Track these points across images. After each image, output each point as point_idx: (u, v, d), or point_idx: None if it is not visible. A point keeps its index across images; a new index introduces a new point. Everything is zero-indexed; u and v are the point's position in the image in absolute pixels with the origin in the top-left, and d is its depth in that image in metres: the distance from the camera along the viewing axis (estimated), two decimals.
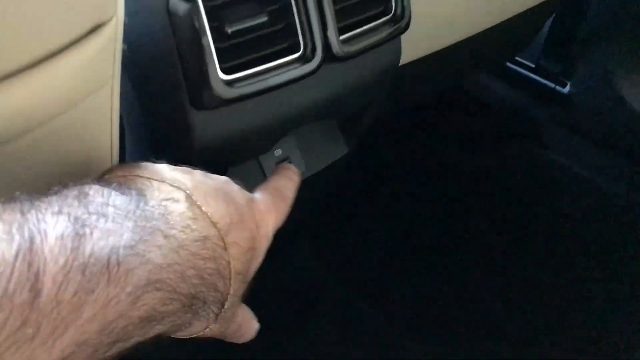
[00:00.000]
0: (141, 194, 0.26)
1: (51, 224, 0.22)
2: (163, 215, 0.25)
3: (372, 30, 0.46)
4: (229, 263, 0.28)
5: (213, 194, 0.28)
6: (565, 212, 0.92)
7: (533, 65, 0.93)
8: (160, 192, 0.27)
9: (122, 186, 0.26)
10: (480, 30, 0.63)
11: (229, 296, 0.28)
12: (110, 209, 0.24)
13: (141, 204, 0.25)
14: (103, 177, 0.29)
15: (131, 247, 0.23)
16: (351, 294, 0.89)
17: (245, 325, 0.33)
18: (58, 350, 0.21)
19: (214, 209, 0.27)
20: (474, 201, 0.96)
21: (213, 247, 0.27)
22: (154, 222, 0.25)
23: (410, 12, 0.47)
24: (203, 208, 0.27)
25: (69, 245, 0.22)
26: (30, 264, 0.20)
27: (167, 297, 0.25)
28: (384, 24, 0.47)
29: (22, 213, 0.22)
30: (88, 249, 0.22)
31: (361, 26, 0.45)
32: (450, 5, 0.57)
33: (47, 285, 0.21)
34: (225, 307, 0.28)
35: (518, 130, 0.98)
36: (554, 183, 0.95)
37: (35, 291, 0.20)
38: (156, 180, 0.27)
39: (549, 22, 0.90)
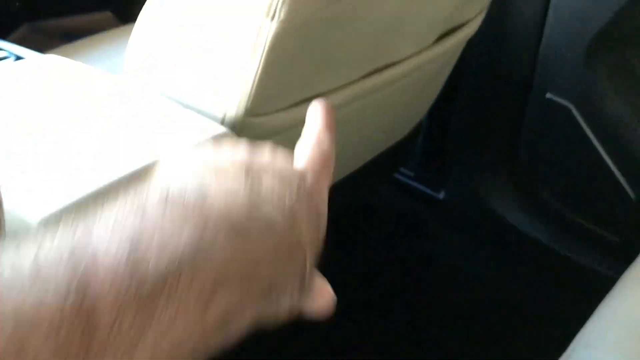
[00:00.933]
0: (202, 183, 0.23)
1: (102, 247, 0.20)
2: (224, 207, 0.23)
3: None
4: (301, 245, 0.26)
5: (270, 178, 0.25)
6: (453, 303, 1.04)
7: (412, 174, 1.10)
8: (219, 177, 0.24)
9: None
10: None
11: (307, 272, 0.26)
12: (168, 209, 0.21)
13: (200, 199, 0.22)
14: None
15: (192, 252, 0.21)
16: None
17: (322, 292, 0.30)
18: None
19: (277, 195, 0.25)
20: (370, 297, 1.05)
21: (282, 230, 0.25)
22: (215, 217, 0.22)
23: None
24: (267, 194, 0.25)
25: (122, 270, 0.20)
26: (80, 305, 0.19)
27: (241, 290, 0.23)
28: None
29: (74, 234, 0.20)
30: (142, 269, 0.20)
31: None
32: None
33: (102, 322, 0.19)
34: (306, 280, 0.27)
35: (406, 231, 1.13)
36: (441, 278, 1.09)
37: (88, 334, 0.19)
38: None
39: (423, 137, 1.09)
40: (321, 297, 0.29)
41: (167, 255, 0.20)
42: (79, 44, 0.90)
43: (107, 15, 1.13)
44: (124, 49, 0.62)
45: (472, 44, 0.82)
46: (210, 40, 0.54)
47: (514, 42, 0.89)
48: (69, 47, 0.88)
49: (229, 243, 0.22)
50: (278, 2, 0.48)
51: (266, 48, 0.50)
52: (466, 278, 1.07)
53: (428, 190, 1.09)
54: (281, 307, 0.26)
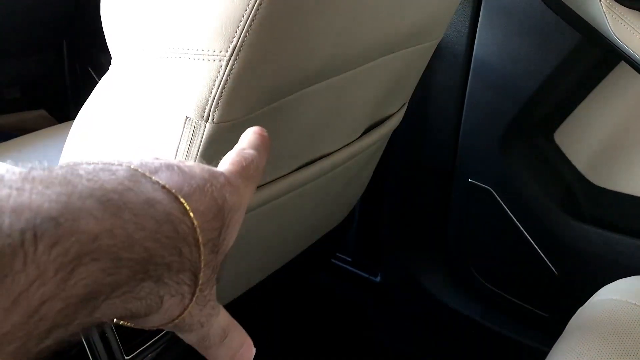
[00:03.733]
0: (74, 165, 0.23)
1: None
2: (96, 181, 0.22)
3: None
4: (193, 229, 0.24)
5: (164, 168, 0.25)
6: None
7: (350, 259, 1.13)
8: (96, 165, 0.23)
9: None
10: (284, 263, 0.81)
11: (202, 268, 0.25)
12: (30, 178, 0.21)
13: (69, 173, 0.22)
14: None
15: (52, 217, 0.20)
16: None
17: (235, 336, 0.28)
18: None
19: (166, 179, 0.25)
20: None
21: (167, 210, 0.24)
22: (83, 187, 0.21)
23: None
24: (153, 177, 0.24)
25: None
26: None
27: (111, 266, 0.21)
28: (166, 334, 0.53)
29: None
30: None
31: None
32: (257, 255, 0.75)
33: None
34: (200, 280, 0.25)
35: (345, 316, 1.15)
36: None
37: None
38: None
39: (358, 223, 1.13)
40: (234, 341, 0.29)
41: (24, 218, 0.19)
42: (12, 142, 0.90)
43: (41, 113, 1.14)
44: (59, 148, 0.63)
45: (397, 135, 0.88)
46: (143, 138, 0.56)
47: (435, 132, 0.96)
48: (2, 145, 0.88)
49: (99, 215, 0.21)
50: (211, 105, 0.51)
51: (200, 149, 0.52)
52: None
53: (365, 274, 1.11)
54: (170, 301, 0.25)
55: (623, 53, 0.75)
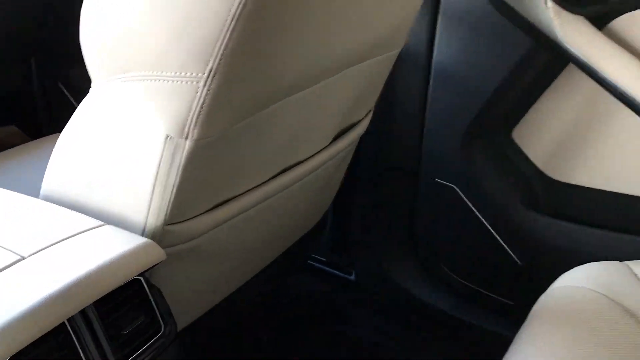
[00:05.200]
0: None
1: None
2: None
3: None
4: None
5: None
6: None
7: (325, 259, 1.17)
8: None
9: None
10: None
11: None
12: None
13: None
14: None
15: None
16: None
17: None
18: None
19: None
20: None
21: None
22: None
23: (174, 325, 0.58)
24: None
25: None
26: None
27: None
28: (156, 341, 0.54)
29: None
30: None
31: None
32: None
33: None
34: None
35: (324, 314, 1.18)
36: (360, 357, 1.14)
37: None
38: None
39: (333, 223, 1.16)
40: None
41: None
42: None
43: (12, 129, 1.14)
44: (35, 166, 0.65)
45: (365, 139, 0.92)
46: (125, 157, 0.59)
47: (400, 135, 1.01)
48: None
49: None
50: (191, 124, 0.54)
51: (182, 164, 0.55)
52: (383, 354, 1.12)
53: (340, 274, 1.15)
54: None
55: (571, 55, 0.81)
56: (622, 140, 0.89)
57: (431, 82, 0.94)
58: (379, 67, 0.79)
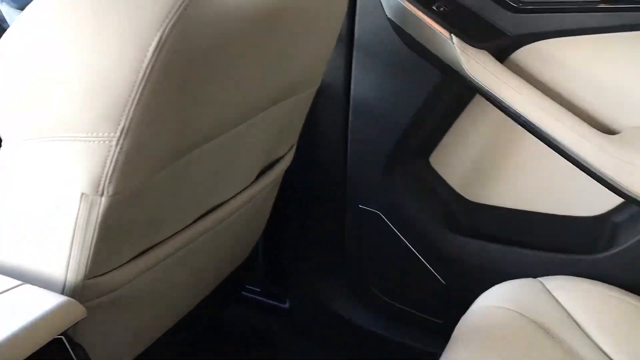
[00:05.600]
0: None
1: None
2: None
3: None
4: None
5: None
6: None
7: (259, 290, 1.18)
8: None
9: None
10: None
11: None
12: None
13: None
14: None
15: None
16: None
17: None
18: None
19: None
20: None
21: None
22: None
23: None
24: None
25: None
26: None
27: None
28: None
29: None
30: None
31: None
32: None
33: None
34: None
35: (260, 344, 1.19)
36: None
37: None
38: None
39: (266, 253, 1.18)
40: None
41: None
42: None
43: None
44: None
45: (291, 171, 0.94)
46: (42, 215, 0.59)
47: (325, 165, 1.04)
48: None
49: None
50: (105, 180, 0.54)
51: (99, 220, 0.56)
52: None
53: (274, 302, 1.17)
54: None
55: (476, 86, 0.86)
56: (524, 162, 0.95)
57: (350, 115, 0.97)
58: (298, 105, 0.81)
